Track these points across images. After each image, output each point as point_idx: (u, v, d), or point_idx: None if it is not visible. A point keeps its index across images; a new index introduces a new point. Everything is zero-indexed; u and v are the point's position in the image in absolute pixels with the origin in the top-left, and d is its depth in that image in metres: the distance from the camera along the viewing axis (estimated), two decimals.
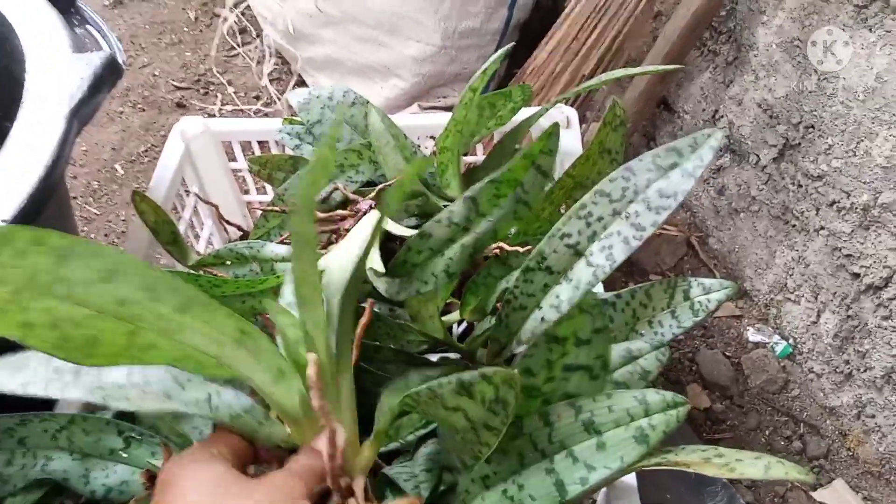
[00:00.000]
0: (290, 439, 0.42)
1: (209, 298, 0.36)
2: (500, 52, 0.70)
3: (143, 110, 1.66)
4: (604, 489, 0.58)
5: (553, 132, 0.48)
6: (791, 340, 1.16)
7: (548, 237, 0.47)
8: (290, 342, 0.42)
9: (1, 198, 0.54)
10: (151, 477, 0.47)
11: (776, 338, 1.17)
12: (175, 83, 1.74)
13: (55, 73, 0.64)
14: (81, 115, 0.62)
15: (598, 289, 0.63)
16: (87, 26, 0.83)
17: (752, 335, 1.19)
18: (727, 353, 1.17)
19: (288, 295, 0.53)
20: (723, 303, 0.50)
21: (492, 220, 0.50)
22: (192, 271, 0.67)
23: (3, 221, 0.52)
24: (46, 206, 0.56)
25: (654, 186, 0.44)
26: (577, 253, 0.46)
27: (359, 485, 0.42)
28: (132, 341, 0.35)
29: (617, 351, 0.50)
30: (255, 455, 0.43)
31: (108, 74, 0.66)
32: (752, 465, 0.39)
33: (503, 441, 0.43)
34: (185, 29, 1.95)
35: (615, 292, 0.51)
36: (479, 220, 0.50)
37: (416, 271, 0.54)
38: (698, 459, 0.41)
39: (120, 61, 0.69)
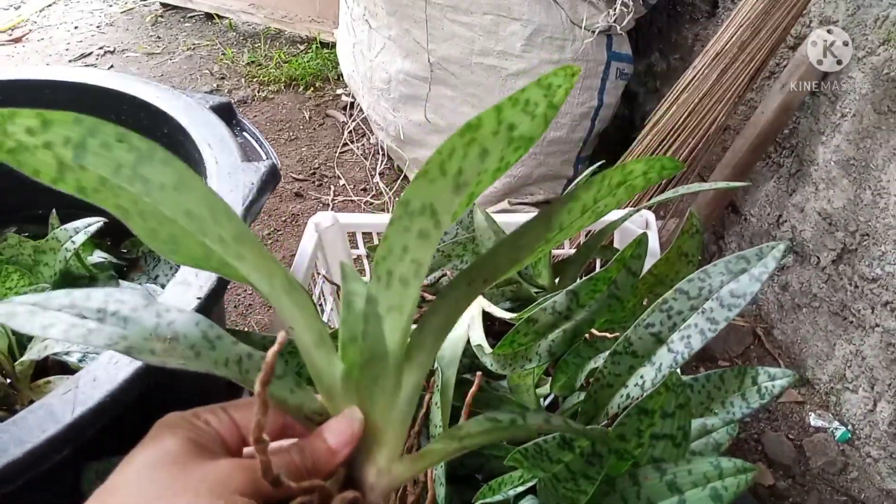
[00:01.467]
0: (323, 411, 0.37)
1: (259, 241, 0.33)
2: (591, 167, 0.78)
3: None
4: None
5: (642, 240, 0.55)
6: (850, 426, 1.16)
7: (634, 326, 0.51)
8: (353, 312, 0.35)
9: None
10: None
11: (836, 423, 1.18)
12: (293, 175, 1.86)
13: (231, 180, 0.72)
14: (251, 213, 0.69)
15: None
16: (245, 134, 0.93)
17: (814, 420, 1.19)
18: (790, 436, 1.18)
19: None
20: (786, 389, 0.54)
21: (589, 310, 0.56)
22: None
23: (198, 299, 0.60)
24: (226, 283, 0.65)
25: (726, 288, 0.49)
26: (660, 340, 0.50)
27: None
28: (209, 254, 0.33)
29: (694, 425, 0.54)
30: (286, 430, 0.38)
31: (271, 179, 0.75)
32: None
33: (597, 496, 0.48)
34: (301, 127, 2.08)
35: (692, 376, 0.56)
36: (579, 311, 0.56)
37: (522, 350, 0.60)
38: None
39: (278, 167, 0.78)
